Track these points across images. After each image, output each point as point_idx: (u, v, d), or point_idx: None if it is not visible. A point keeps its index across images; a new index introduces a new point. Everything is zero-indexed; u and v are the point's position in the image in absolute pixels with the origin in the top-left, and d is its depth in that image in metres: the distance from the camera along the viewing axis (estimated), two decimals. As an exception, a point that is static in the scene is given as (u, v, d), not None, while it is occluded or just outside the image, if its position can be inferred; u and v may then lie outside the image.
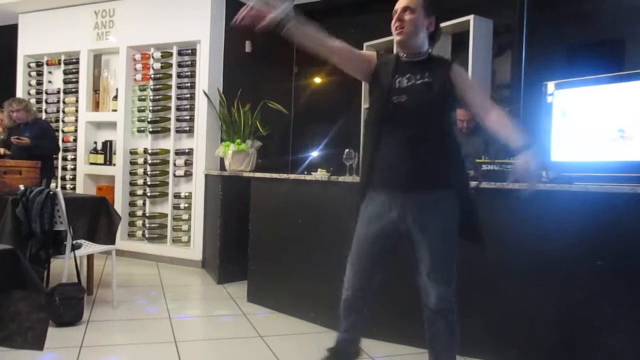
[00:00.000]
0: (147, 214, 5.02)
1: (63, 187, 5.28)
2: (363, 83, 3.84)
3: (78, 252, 3.12)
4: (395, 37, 1.98)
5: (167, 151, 4.93)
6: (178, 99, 4.89)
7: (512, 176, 1.84)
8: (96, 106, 5.38)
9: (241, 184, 3.87)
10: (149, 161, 5.00)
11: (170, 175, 4.91)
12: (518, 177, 1.81)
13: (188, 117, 4.85)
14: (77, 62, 5.35)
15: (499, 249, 2.45)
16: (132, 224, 5.13)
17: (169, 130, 4.92)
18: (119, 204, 4.97)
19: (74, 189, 5.31)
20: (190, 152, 4.84)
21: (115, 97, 5.20)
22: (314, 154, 5.15)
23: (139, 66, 5.09)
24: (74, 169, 5.37)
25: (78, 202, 3.35)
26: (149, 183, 4.98)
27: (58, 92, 5.51)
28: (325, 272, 2.99)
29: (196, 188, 4.77)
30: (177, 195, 4.92)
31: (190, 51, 4.83)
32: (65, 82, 5.45)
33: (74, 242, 3.12)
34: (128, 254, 4.95)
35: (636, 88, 2.54)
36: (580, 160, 2.74)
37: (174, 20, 4.78)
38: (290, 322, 3.16)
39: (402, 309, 2.57)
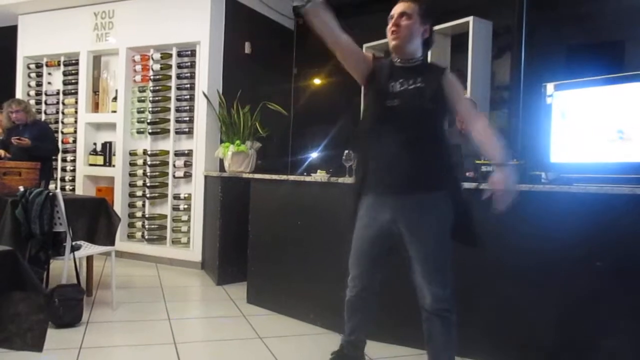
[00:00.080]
0: (147, 215, 5.02)
1: (62, 188, 5.27)
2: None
3: (77, 254, 3.12)
4: (391, 42, 2.01)
5: (167, 152, 4.93)
6: (177, 100, 4.89)
7: (486, 192, 1.86)
8: (96, 107, 5.38)
9: (241, 185, 3.87)
10: (149, 162, 5.00)
11: (170, 176, 4.91)
12: (494, 193, 1.84)
13: (187, 119, 4.85)
14: (77, 64, 5.35)
15: (499, 250, 2.45)
16: (131, 225, 5.12)
17: (168, 131, 4.92)
18: (119, 205, 4.97)
19: (73, 190, 5.31)
20: (189, 154, 4.84)
21: (115, 99, 5.19)
22: (314, 155, 5.15)
23: (138, 67, 5.08)
24: (74, 170, 5.37)
25: (77, 203, 3.35)
26: (148, 184, 4.98)
27: (57, 93, 5.51)
28: (325, 273, 2.99)
29: (196, 189, 4.76)
30: (176, 197, 4.92)
31: (189, 52, 4.83)
32: (64, 83, 5.45)
33: (74, 243, 3.11)
34: (127, 255, 4.95)
35: (635, 89, 2.55)
36: (580, 161, 2.74)
37: (174, 22, 4.78)
38: (289, 324, 3.16)
39: (402, 311, 2.57)
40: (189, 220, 4.84)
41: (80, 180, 5.31)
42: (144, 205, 5.07)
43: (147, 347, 2.70)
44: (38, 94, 5.66)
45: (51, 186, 3.85)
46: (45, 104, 5.56)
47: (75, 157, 5.37)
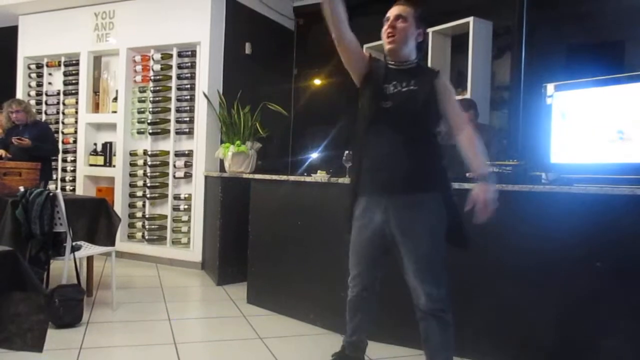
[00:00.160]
0: (147, 216, 5.02)
1: (63, 189, 5.27)
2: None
3: (78, 254, 3.12)
4: (387, 46, 2.03)
5: (167, 153, 4.94)
6: (178, 100, 4.90)
7: (468, 203, 1.88)
8: (96, 108, 5.38)
9: (241, 186, 3.87)
10: (149, 163, 5.00)
11: (170, 176, 4.91)
12: (474, 204, 1.87)
13: (188, 119, 4.85)
14: (77, 64, 5.36)
15: (499, 250, 2.46)
16: (131, 225, 5.12)
17: (168, 131, 4.92)
18: (119, 206, 4.97)
19: (73, 190, 5.31)
20: (190, 154, 4.84)
21: (115, 99, 5.20)
22: (314, 155, 5.15)
23: (138, 68, 5.09)
24: (74, 171, 5.37)
25: (78, 204, 3.35)
26: (148, 184, 4.98)
27: (58, 93, 5.52)
28: (325, 274, 2.99)
29: (196, 189, 4.77)
30: (176, 197, 4.92)
31: (190, 53, 4.84)
32: (65, 83, 5.45)
33: (74, 243, 3.12)
34: (128, 255, 4.95)
35: (635, 89, 2.55)
36: (580, 162, 2.74)
37: (174, 22, 4.78)
38: (290, 324, 3.16)
39: (402, 311, 2.57)
40: (189, 221, 4.84)
41: (80, 180, 5.31)
42: (144, 206, 5.07)
43: (148, 348, 2.70)
44: (38, 94, 5.67)
45: (52, 186, 3.84)
46: (46, 104, 5.57)
47: (75, 157, 5.37)
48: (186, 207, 4.86)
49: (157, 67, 4.96)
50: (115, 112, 5.17)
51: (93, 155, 5.31)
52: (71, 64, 5.42)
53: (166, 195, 4.94)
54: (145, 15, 4.94)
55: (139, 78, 5.08)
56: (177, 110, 4.89)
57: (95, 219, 3.36)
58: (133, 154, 5.10)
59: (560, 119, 2.83)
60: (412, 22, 2.00)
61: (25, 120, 4.38)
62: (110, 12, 5.13)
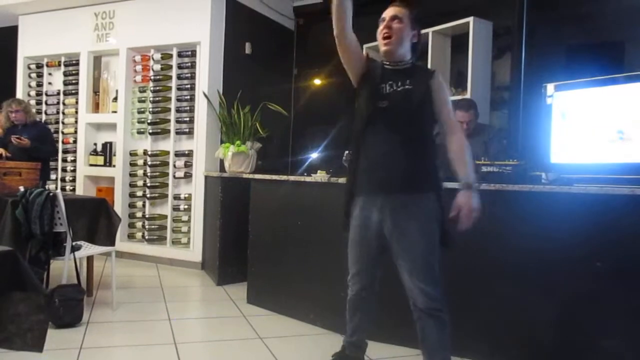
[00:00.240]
0: (147, 216, 5.02)
1: (63, 189, 5.28)
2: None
3: (78, 254, 3.12)
4: (382, 47, 2.05)
5: (167, 152, 4.94)
6: (178, 100, 4.89)
7: (453, 209, 1.90)
8: (96, 108, 5.38)
9: (241, 186, 3.87)
10: (149, 162, 5.00)
11: (170, 176, 4.91)
12: (459, 211, 1.88)
13: (188, 119, 4.85)
14: (77, 64, 5.35)
15: (499, 250, 2.46)
16: (131, 225, 5.12)
17: (168, 131, 4.92)
18: (119, 206, 4.97)
19: (73, 190, 5.31)
20: (190, 154, 4.84)
21: (115, 99, 5.20)
22: (314, 155, 5.14)
23: (138, 68, 5.08)
24: (74, 171, 5.37)
25: (78, 204, 3.35)
26: (148, 184, 4.98)
27: (58, 93, 5.52)
28: (325, 273, 2.99)
29: (196, 189, 4.77)
30: (176, 197, 4.92)
31: (190, 53, 4.84)
32: (65, 83, 5.45)
33: (74, 243, 3.12)
34: (128, 255, 4.95)
35: (635, 89, 2.55)
36: (580, 162, 2.74)
37: (174, 22, 4.78)
38: (289, 324, 3.16)
39: (402, 311, 2.57)
40: (189, 221, 4.84)
41: (80, 180, 5.31)
42: (144, 206, 5.07)
43: (148, 348, 2.70)
44: (38, 94, 5.66)
45: (51, 187, 3.85)
46: (46, 104, 5.57)
47: (75, 157, 5.37)
48: (186, 207, 4.86)
49: (157, 67, 4.96)
50: (115, 112, 5.17)
51: (93, 155, 5.31)
52: (71, 64, 5.42)
53: (166, 195, 4.94)
54: (145, 15, 4.94)
55: (139, 78, 5.08)
56: (177, 110, 4.89)
57: (95, 219, 3.36)
58: (133, 154, 5.10)
59: (560, 119, 2.82)
60: (408, 23, 2.02)
61: (25, 120, 4.38)
62: (110, 12, 5.13)
